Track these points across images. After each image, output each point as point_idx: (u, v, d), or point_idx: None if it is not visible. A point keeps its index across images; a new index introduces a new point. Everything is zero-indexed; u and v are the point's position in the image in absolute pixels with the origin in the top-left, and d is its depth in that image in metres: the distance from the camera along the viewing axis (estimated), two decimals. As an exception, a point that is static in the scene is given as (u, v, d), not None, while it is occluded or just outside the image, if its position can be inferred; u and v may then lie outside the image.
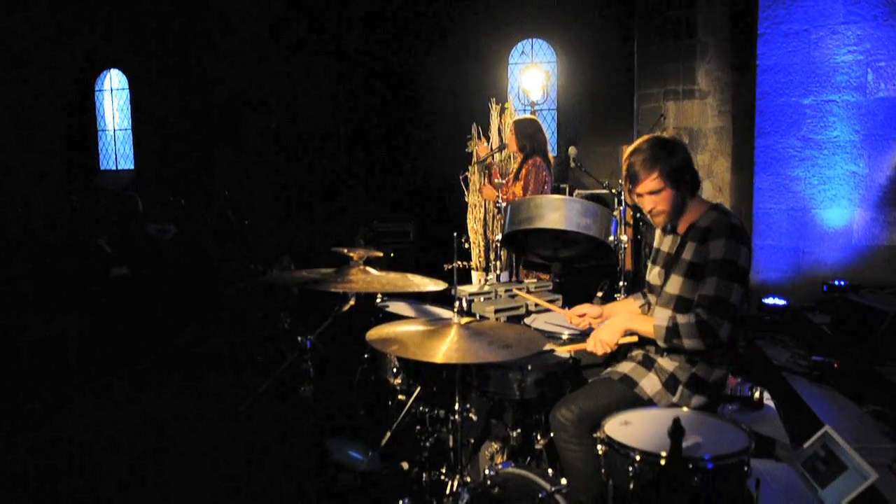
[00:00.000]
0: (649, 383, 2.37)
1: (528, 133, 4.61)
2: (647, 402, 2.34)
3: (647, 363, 2.43)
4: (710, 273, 2.24)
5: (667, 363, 2.38)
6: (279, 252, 6.48)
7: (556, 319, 3.07)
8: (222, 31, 11.44)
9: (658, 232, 2.60)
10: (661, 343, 2.29)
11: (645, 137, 2.42)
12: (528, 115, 4.94)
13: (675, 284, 2.38)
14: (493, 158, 5.39)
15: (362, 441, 2.95)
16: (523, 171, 4.53)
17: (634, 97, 7.98)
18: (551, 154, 4.72)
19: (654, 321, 2.30)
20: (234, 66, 11.42)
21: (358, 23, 11.57)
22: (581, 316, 2.66)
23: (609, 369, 2.50)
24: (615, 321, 2.42)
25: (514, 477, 2.19)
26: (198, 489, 3.42)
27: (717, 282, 2.21)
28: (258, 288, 5.86)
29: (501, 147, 5.24)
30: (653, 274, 2.59)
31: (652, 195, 2.35)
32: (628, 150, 2.40)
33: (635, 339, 2.43)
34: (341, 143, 11.75)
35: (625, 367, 2.45)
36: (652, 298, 2.57)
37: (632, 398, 2.34)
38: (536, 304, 3.24)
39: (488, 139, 5.87)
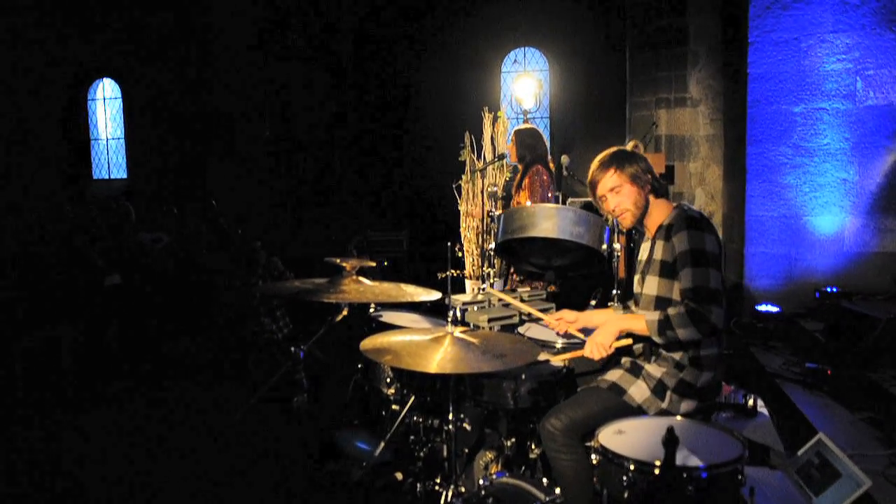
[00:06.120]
0: (638, 390, 2.37)
1: (527, 143, 4.62)
2: (637, 410, 2.33)
3: (635, 370, 2.44)
4: (682, 266, 2.29)
5: (654, 370, 2.39)
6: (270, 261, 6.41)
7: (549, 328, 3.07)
8: (215, 40, 11.43)
9: (642, 244, 2.64)
10: (655, 338, 2.30)
11: (607, 150, 2.51)
12: (527, 125, 4.92)
13: (651, 285, 2.43)
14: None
15: (371, 433, 2.93)
16: (526, 180, 4.53)
17: (626, 105, 8.02)
18: (552, 162, 4.71)
19: (646, 316, 2.32)
20: (226, 75, 11.40)
21: (351, 32, 11.59)
22: (558, 320, 2.73)
23: (598, 378, 2.51)
24: (608, 325, 2.44)
25: (509, 486, 2.19)
26: (189, 497, 3.40)
27: (691, 272, 2.26)
28: (249, 298, 5.81)
29: (501, 157, 5.23)
30: (635, 282, 2.61)
31: (612, 192, 2.43)
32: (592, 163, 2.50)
33: (630, 341, 2.44)
34: (335, 151, 11.75)
35: (613, 376, 2.45)
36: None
37: (621, 406, 2.34)
38: (529, 314, 3.24)
39: (481, 147, 5.86)
